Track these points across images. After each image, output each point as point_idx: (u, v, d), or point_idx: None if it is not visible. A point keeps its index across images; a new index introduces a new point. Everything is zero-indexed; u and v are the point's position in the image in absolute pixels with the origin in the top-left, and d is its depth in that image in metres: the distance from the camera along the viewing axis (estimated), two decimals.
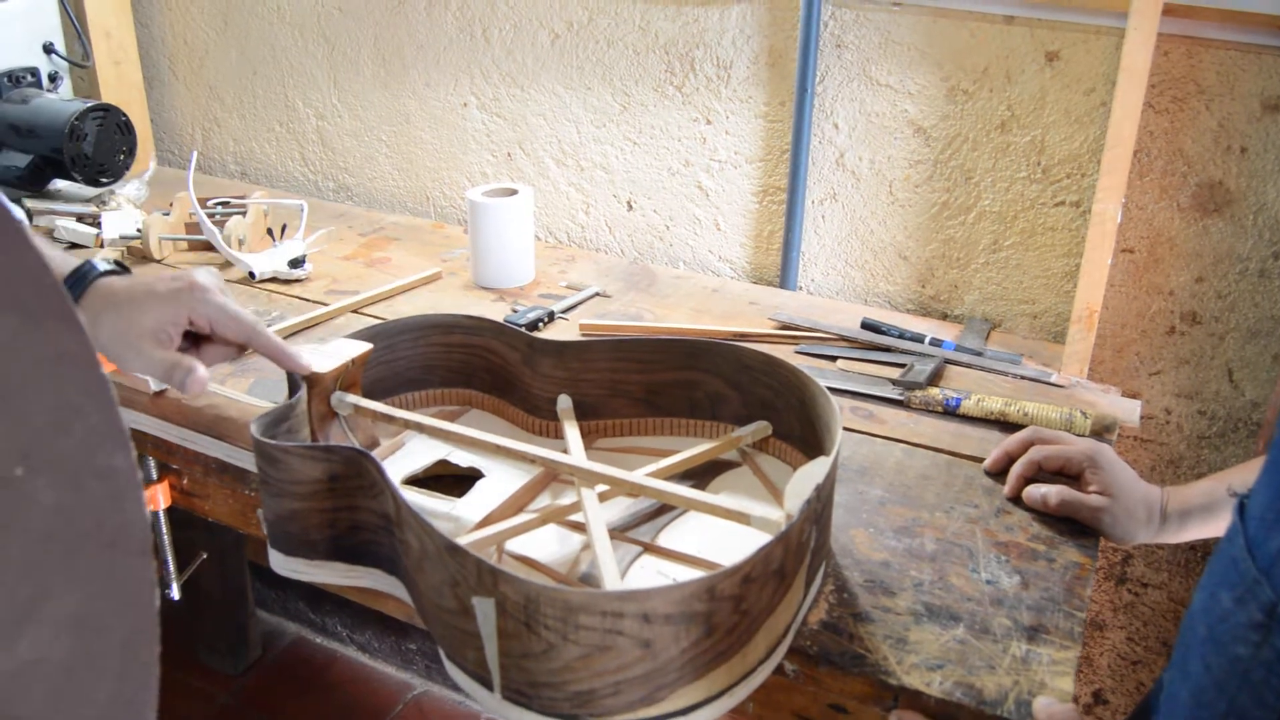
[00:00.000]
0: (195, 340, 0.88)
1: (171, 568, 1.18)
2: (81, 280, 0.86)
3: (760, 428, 0.93)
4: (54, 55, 1.60)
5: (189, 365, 0.82)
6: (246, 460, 0.96)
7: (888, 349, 1.19)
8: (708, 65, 1.38)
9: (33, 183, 1.47)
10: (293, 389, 0.87)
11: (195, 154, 1.42)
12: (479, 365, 0.99)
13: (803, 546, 0.70)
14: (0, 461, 0.28)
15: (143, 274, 0.89)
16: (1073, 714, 0.68)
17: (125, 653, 0.31)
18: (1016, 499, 0.92)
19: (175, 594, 1.19)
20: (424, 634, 1.82)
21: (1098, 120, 1.18)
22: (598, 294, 1.32)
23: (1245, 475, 0.87)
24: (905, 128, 1.29)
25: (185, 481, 1.05)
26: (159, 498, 1.06)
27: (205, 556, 1.53)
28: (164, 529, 1.14)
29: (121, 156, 1.50)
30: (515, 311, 1.24)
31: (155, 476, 1.05)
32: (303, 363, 0.85)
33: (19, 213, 0.94)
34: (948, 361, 1.17)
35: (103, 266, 0.88)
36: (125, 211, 1.45)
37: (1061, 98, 1.19)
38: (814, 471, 0.74)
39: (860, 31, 1.27)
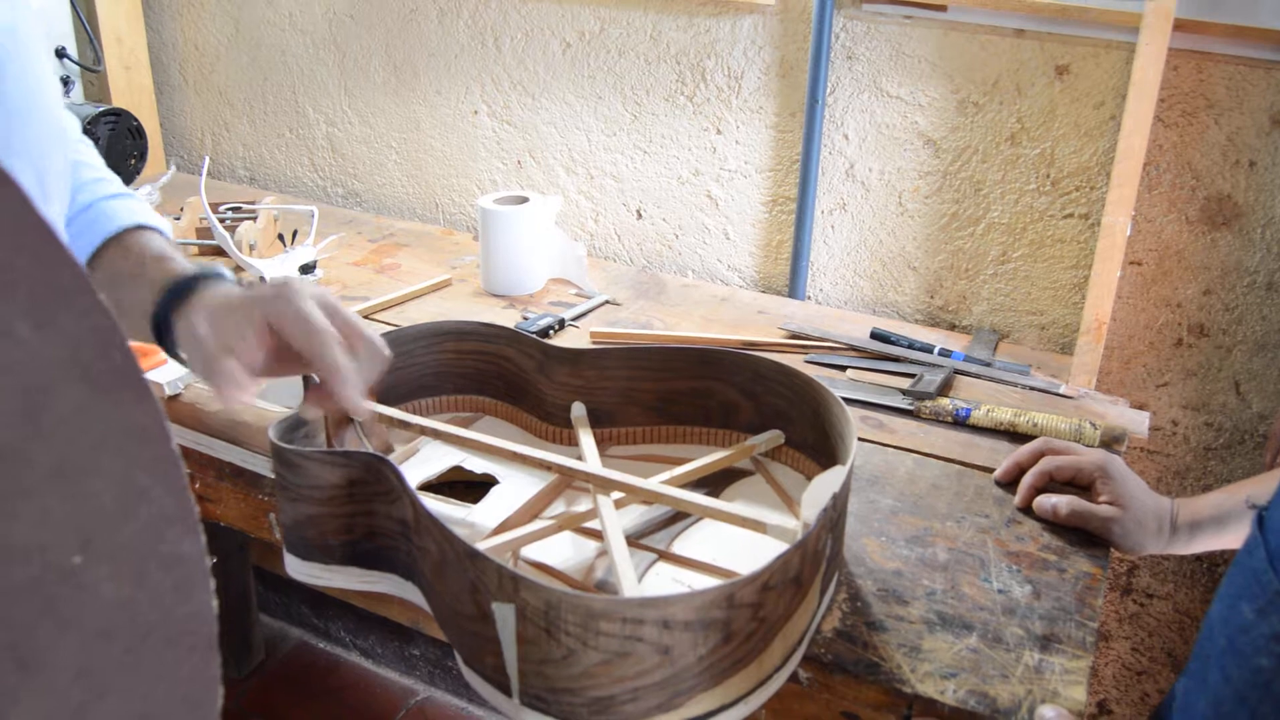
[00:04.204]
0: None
1: None
2: (201, 279, 0.75)
3: (773, 436, 0.93)
4: (66, 60, 1.61)
5: (226, 367, 0.69)
6: (260, 465, 0.97)
7: (897, 359, 1.20)
8: (719, 75, 1.38)
9: None
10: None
11: (207, 159, 1.43)
12: (493, 372, 1.00)
13: (819, 554, 0.71)
14: (57, 549, 0.25)
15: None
16: None
17: None
18: (1027, 509, 0.93)
19: None
20: (428, 639, 1.82)
21: (1107, 133, 1.19)
22: (607, 302, 1.33)
23: (1261, 487, 0.88)
24: (915, 139, 1.30)
25: (198, 486, 1.05)
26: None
27: (214, 561, 1.53)
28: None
29: (133, 161, 1.51)
30: (526, 319, 1.25)
31: None
32: (357, 404, 0.72)
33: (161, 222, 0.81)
34: (957, 372, 1.17)
35: (229, 275, 0.77)
36: None
37: (1071, 111, 1.20)
38: (831, 480, 0.74)
39: (871, 43, 1.28)
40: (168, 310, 0.74)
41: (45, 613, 0.25)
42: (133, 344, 0.84)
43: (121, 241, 0.78)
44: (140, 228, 0.79)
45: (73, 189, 0.78)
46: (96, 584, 0.26)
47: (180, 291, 0.74)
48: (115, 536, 0.26)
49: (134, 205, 0.80)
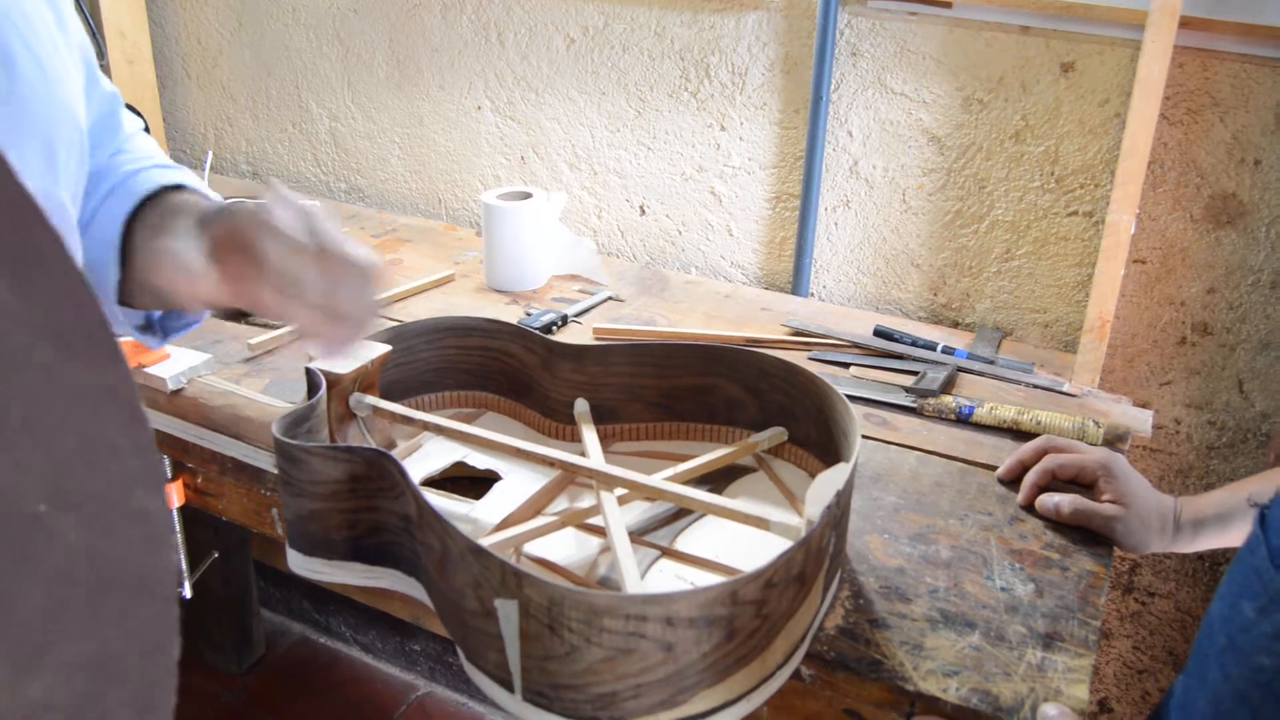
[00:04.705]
0: None
1: (184, 567, 1.18)
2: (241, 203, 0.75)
3: (776, 433, 0.93)
4: None
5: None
6: (263, 459, 0.97)
7: (900, 356, 1.19)
8: (723, 71, 1.38)
9: None
10: (311, 390, 0.88)
11: (210, 153, 1.43)
12: (496, 368, 1.00)
13: (822, 552, 0.71)
14: (24, 497, 0.26)
15: None
16: None
17: (140, 702, 0.29)
18: (1030, 507, 0.93)
19: (187, 593, 1.20)
20: (428, 635, 1.82)
21: (1112, 131, 1.19)
22: (610, 298, 1.33)
23: (1263, 485, 0.88)
24: (919, 136, 1.29)
25: (200, 480, 1.05)
26: (173, 496, 1.06)
27: (216, 556, 1.54)
28: (177, 527, 1.14)
29: None
30: (529, 315, 1.24)
31: (170, 475, 1.06)
32: (310, 326, 0.71)
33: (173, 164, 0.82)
34: (960, 369, 1.17)
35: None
36: None
37: (1076, 108, 1.20)
38: (834, 477, 0.74)
39: (876, 40, 1.28)
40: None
41: (9, 555, 0.26)
42: (127, 341, 0.84)
43: (160, 202, 0.78)
44: (180, 187, 0.79)
45: (127, 173, 0.79)
46: (62, 533, 0.27)
47: (216, 215, 0.74)
48: (82, 490, 0.28)
49: (178, 175, 0.80)
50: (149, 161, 0.80)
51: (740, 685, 0.66)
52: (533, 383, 0.97)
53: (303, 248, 0.69)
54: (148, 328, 0.84)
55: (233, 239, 0.70)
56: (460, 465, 0.92)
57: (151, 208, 0.77)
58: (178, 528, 1.14)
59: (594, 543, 0.84)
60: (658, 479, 0.83)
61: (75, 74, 0.65)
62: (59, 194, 0.59)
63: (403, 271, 1.39)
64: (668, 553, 0.83)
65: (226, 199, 0.80)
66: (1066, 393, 1.14)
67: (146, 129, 1.53)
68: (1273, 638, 0.53)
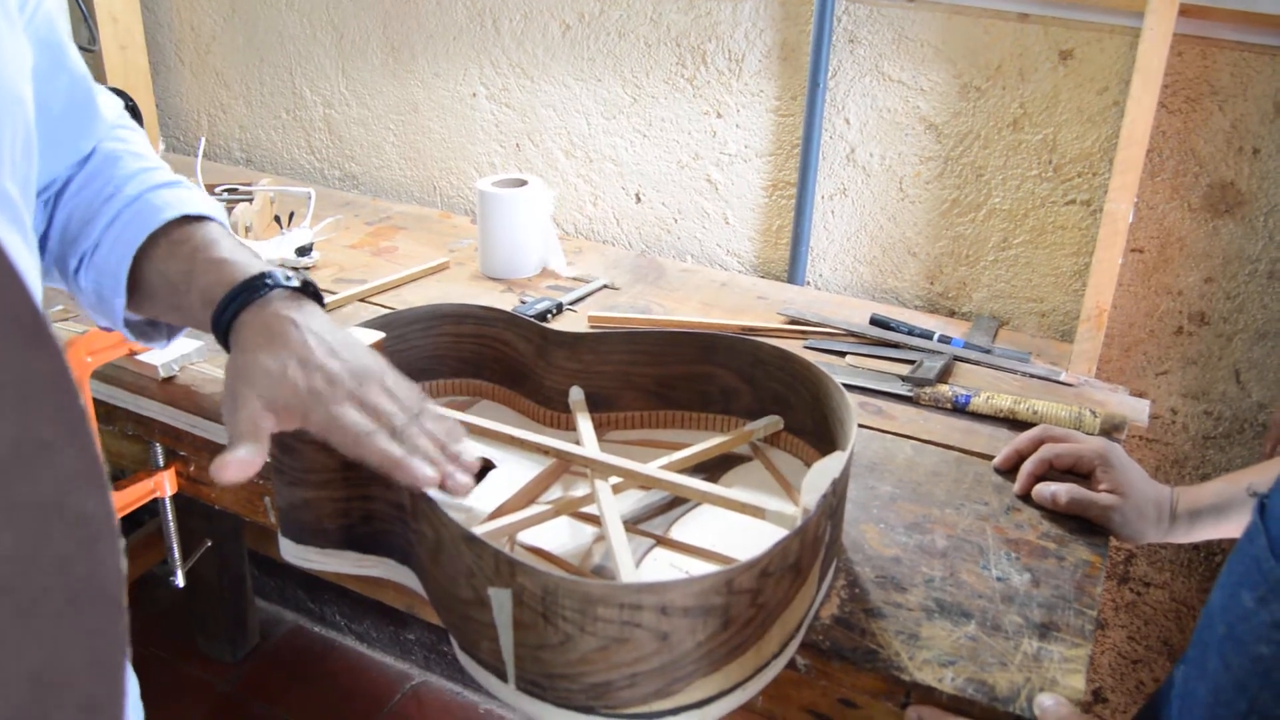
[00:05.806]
0: None
1: (176, 555, 1.18)
2: (251, 292, 0.71)
3: (772, 422, 0.93)
4: None
5: (233, 456, 0.66)
6: None
7: (896, 345, 1.19)
8: (719, 58, 1.37)
9: None
10: None
11: (203, 140, 1.42)
12: (490, 356, 0.99)
13: (818, 541, 0.70)
14: None
15: (316, 318, 0.72)
16: (1073, 714, 0.68)
17: (84, 716, 0.27)
18: (1026, 496, 0.93)
19: (180, 582, 1.19)
20: (423, 624, 1.82)
21: (1110, 119, 1.18)
22: (606, 286, 1.32)
23: (1262, 475, 0.88)
24: (917, 124, 1.29)
25: (192, 468, 1.05)
26: (165, 484, 1.06)
27: (210, 544, 1.53)
28: (170, 516, 1.14)
29: None
30: (524, 303, 1.24)
31: (162, 463, 1.05)
32: (419, 474, 0.68)
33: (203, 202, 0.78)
34: (956, 359, 1.17)
35: (281, 280, 0.72)
36: None
37: (1074, 96, 1.19)
38: (830, 466, 0.74)
39: (874, 27, 1.27)
40: (227, 339, 0.72)
41: None
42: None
43: (170, 236, 0.75)
44: (186, 219, 0.76)
45: (120, 180, 0.76)
46: None
47: (227, 319, 0.71)
48: (14, 492, 0.25)
49: (182, 194, 0.77)
50: (152, 175, 0.78)
51: (735, 675, 0.66)
52: (527, 370, 0.97)
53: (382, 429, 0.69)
54: (152, 325, 0.82)
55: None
56: None
57: (165, 250, 0.75)
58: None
59: (588, 531, 0.83)
60: (653, 467, 0.83)
61: (22, 57, 0.63)
62: (1, 181, 0.57)
63: (397, 259, 1.38)
64: (663, 541, 0.83)
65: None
66: (1063, 382, 1.13)
67: (134, 108, 1.52)
68: (1272, 627, 0.53)
